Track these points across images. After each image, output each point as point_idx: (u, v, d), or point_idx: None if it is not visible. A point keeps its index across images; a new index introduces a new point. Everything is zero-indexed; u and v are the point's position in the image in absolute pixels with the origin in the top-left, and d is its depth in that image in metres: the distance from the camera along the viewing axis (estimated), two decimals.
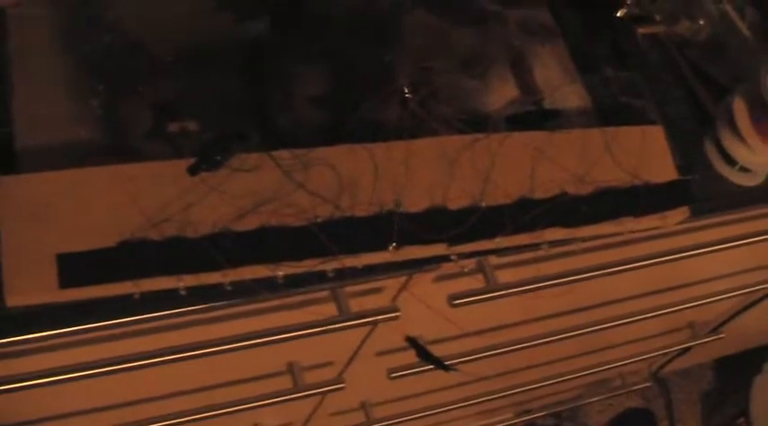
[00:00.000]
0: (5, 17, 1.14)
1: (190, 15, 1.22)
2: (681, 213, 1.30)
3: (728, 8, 1.44)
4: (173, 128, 1.13)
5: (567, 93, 1.35)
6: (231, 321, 1.20)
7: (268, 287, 1.08)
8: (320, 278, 1.11)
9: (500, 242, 1.19)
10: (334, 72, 1.24)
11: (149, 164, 1.08)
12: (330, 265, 1.10)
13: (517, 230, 1.19)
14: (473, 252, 1.19)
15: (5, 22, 1.14)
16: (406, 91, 1.20)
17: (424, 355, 1.32)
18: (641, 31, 1.44)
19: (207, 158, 1.07)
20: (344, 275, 1.12)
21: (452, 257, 1.17)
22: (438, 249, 1.16)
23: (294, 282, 1.10)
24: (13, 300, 0.98)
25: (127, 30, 1.18)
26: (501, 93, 1.32)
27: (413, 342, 1.31)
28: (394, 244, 1.12)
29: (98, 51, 1.16)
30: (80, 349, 1.12)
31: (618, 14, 1.43)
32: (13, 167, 1.05)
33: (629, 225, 1.27)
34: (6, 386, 1.07)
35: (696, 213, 1.33)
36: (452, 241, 1.16)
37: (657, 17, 1.43)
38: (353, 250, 1.11)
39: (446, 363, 1.35)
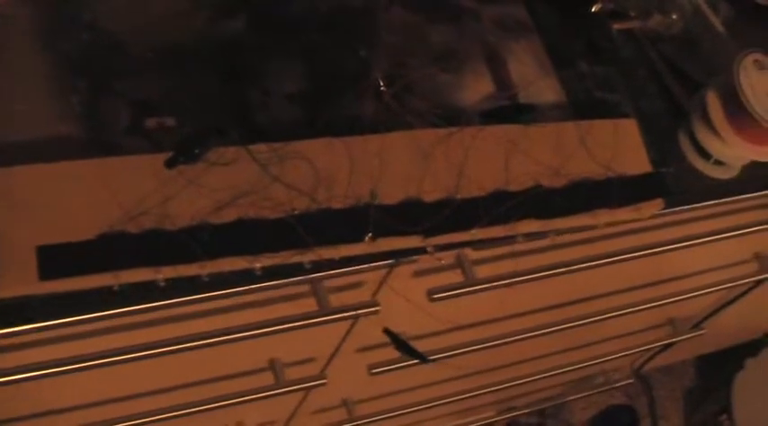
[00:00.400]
0: None
1: (168, 13, 1.23)
2: (655, 205, 1.31)
3: (701, 3, 1.46)
4: (151, 124, 1.14)
5: (542, 89, 1.36)
6: (211, 316, 1.20)
7: (246, 278, 1.09)
8: (298, 270, 1.12)
9: (475, 233, 1.20)
10: (310, 67, 1.24)
11: (128, 158, 1.08)
12: (307, 257, 1.11)
13: (492, 222, 1.20)
14: (449, 245, 1.20)
15: None
16: (381, 84, 1.21)
17: (401, 345, 1.33)
18: (616, 26, 1.45)
19: (184, 151, 1.08)
20: (322, 267, 1.13)
21: (428, 249, 1.18)
22: (414, 241, 1.17)
23: (272, 274, 1.11)
24: None
25: (106, 28, 1.19)
26: (476, 88, 1.33)
27: (390, 333, 1.31)
28: (370, 234, 1.13)
29: (77, 49, 1.17)
30: (57, 345, 1.13)
31: (593, 10, 1.44)
32: None
33: (603, 216, 1.28)
34: None
35: (671, 205, 1.34)
36: (428, 232, 1.17)
37: (632, 13, 1.44)
38: (330, 241, 1.12)
39: (423, 354, 1.36)
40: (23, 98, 1.11)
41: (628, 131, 1.34)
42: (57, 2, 1.20)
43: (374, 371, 1.48)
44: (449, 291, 1.29)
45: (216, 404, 1.36)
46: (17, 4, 1.17)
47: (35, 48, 1.15)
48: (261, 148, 1.12)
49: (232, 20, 1.24)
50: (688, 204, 1.40)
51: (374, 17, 1.29)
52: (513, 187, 1.23)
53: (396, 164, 1.18)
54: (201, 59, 1.21)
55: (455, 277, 1.31)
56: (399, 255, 1.18)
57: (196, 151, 1.08)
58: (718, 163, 1.39)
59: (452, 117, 1.25)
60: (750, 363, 2.54)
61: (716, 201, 1.44)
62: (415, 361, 1.42)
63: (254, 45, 1.24)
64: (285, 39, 1.25)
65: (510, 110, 1.31)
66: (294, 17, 1.27)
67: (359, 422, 1.74)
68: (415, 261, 1.21)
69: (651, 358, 2.37)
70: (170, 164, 1.07)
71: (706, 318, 2.14)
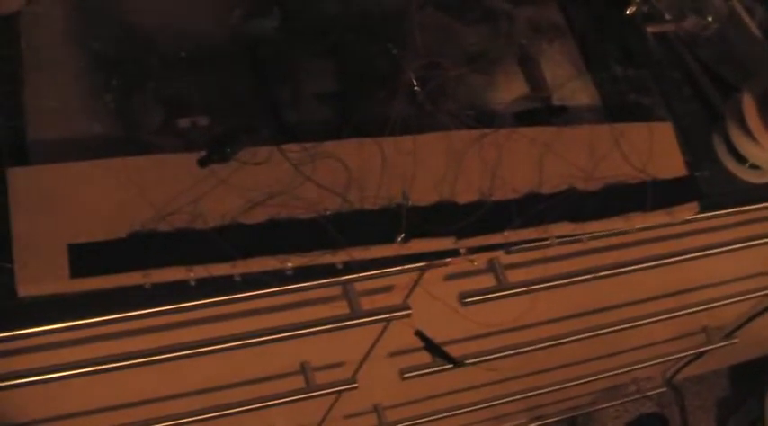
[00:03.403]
0: (19, 14, 1.16)
1: (200, 12, 1.23)
2: (689, 209, 1.31)
3: (737, 5, 1.45)
4: (183, 123, 1.14)
5: (576, 91, 1.36)
6: (242, 318, 1.20)
7: (277, 279, 1.09)
8: (329, 271, 1.12)
9: (508, 236, 1.19)
10: (343, 67, 1.25)
11: (160, 157, 1.09)
12: (339, 257, 1.11)
13: (525, 224, 1.20)
14: (481, 247, 1.19)
15: (19, 20, 1.15)
16: (415, 84, 1.21)
17: (432, 348, 1.32)
18: (651, 29, 1.45)
19: (217, 150, 1.08)
20: (353, 268, 1.12)
21: (461, 251, 1.18)
22: (446, 243, 1.16)
23: (303, 275, 1.10)
24: (25, 289, 0.99)
25: (139, 27, 1.19)
26: (509, 90, 1.33)
27: (421, 336, 1.31)
28: (402, 235, 1.12)
29: (109, 48, 1.17)
30: (88, 346, 1.13)
31: (627, 13, 1.43)
32: (24, 159, 1.06)
33: (637, 220, 1.27)
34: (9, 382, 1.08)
35: (705, 209, 1.33)
36: (460, 234, 1.16)
37: (667, 16, 1.44)
38: (362, 242, 1.11)
39: (454, 357, 1.35)
40: (57, 96, 1.12)
41: (663, 134, 1.33)
42: (90, 1, 1.20)
43: (406, 375, 1.47)
44: (481, 295, 1.29)
45: (246, 407, 1.36)
46: (51, 2, 1.18)
47: (69, 47, 1.16)
48: (293, 148, 1.12)
49: (265, 19, 1.24)
50: (723, 208, 1.38)
51: (407, 17, 1.28)
52: (546, 189, 1.23)
53: (429, 165, 1.18)
54: (234, 59, 1.21)
55: (487, 281, 1.31)
56: (431, 257, 1.18)
57: (228, 150, 1.08)
58: (754, 167, 1.38)
59: (486, 118, 1.25)
60: None
61: (751, 207, 1.43)
62: (447, 366, 1.41)
63: (287, 44, 1.24)
64: (318, 39, 1.25)
65: (544, 112, 1.31)
66: (327, 17, 1.27)
67: None
68: (447, 264, 1.21)
69: (683, 367, 2.35)
70: (203, 162, 1.07)
71: (739, 327, 2.12)
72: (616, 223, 1.26)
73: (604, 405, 2.26)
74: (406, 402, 1.80)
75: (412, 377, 1.48)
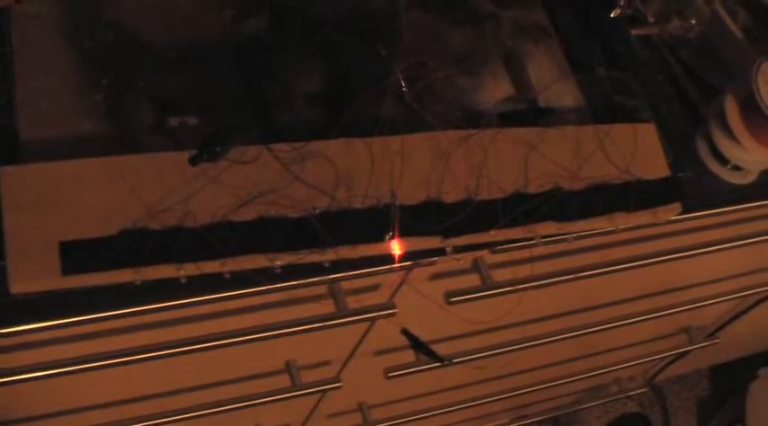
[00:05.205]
0: (9, 14, 1.16)
1: (190, 12, 1.24)
2: (673, 209, 1.32)
3: (719, 8, 1.46)
4: (173, 122, 1.15)
5: (561, 92, 1.37)
6: (229, 317, 1.21)
7: (266, 277, 1.09)
8: (317, 269, 1.13)
9: (494, 235, 1.20)
10: (332, 68, 1.25)
11: (150, 156, 1.09)
12: (327, 256, 1.12)
13: (510, 224, 1.21)
14: (468, 246, 1.20)
15: (9, 19, 1.16)
16: (403, 85, 1.22)
17: (418, 345, 1.33)
18: (635, 32, 1.46)
19: (207, 149, 1.09)
20: (341, 266, 1.13)
21: (447, 249, 1.19)
22: (433, 241, 1.17)
23: (292, 273, 1.11)
24: (17, 287, 0.99)
25: (130, 27, 1.20)
26: (495, 91, 1.33)
27: (407, 334, 1.32)
28: (390, 233, 1.13)
29: (100, 47, 1.18)
30: (75, 344, 1.13)
31: (611, 15, 1.45)
32: (16, 158, 1.07)
33: (621, 220, 1.28)
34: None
35: (688, 210, 1.34)
36: (447, 233, 1.17)
37: (650, 18, 1.45)
38: (350, 241, 1.12)
39: (440, 355, 1.36)
40: (48, 95, 1.12)
41: (647, 135, 1.34)
42: (82, 1, 1.20)
43: (391, 375, 1.48)
44: (466, 295, 1.29)
45: (232, 406, 1.37)
46: (43, 1, 1.18)
47: (60, 46, 1.16)
48: (282, 147, 1.13)
49: (254, 20, 1.25)
50: (705, 209, 1.40)
51: (395, 19, 1.29)
52: (531, 189, 1.24)
53: (416, 165, 1.19)
54: (224, 59, 1.22)
55: (472, 281, 1.32)
56: (418, 256, 1.18)
57: (218, 149, 1.09)
58: (736, 168, 1.39)
59: (472, 119, 1.26)
60: (764, 373, 2.53)
61: (733, 207, 1.44)
62: (432, 365, 1.42)
63: (276, 45, 1.25)
64: (307, 40, 1.26)
65: (529, 113, 1.32)
66: (315, 17, 1.28)
67: None
68: (433, 262, 1.21)
69: (665, 367, 2.36)
70: (193, 161, 1.08)
71: (721, 327, 2.13)
72: (600, 223, 1.28)
73: (587, 405, 2.28)
74: (391, 401, 1.80)
75: (396, 376, 1.48)
